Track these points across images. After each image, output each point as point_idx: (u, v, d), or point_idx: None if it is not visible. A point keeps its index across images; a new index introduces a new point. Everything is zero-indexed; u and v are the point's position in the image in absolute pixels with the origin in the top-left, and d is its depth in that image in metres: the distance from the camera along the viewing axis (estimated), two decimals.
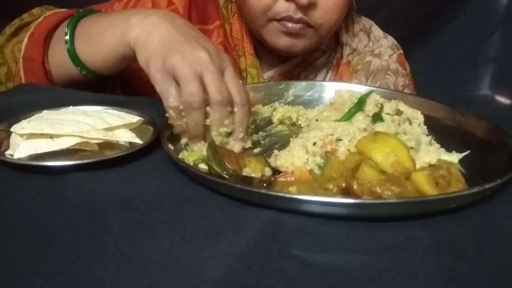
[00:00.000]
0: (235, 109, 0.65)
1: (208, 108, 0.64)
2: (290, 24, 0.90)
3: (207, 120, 0.65)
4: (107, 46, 0.78)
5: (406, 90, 1.09)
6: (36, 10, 0.93)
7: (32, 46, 0.85)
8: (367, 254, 0.47)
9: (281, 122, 0.80)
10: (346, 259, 0.47)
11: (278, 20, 0.91)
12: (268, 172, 0.61)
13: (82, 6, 1.04)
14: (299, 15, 0.89)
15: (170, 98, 0.64)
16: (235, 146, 0.67)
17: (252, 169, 0.61)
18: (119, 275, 0.44)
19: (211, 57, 0.65)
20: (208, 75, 0.64)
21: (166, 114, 0.66)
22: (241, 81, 0.67)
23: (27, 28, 0.89)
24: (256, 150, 0.70)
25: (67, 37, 0.82)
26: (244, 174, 0.60)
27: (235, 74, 0.67)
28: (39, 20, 0.87)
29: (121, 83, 1.00)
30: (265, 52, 1.04)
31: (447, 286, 0.44)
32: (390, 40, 1.14)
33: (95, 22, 0.82)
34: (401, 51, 1.14)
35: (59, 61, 0.85)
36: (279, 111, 0.80)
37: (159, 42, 0.68)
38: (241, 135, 0.67)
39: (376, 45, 1.12)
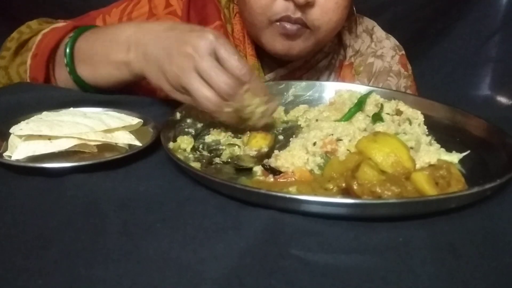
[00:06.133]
0: (245, 88, 0.67)
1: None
2: (288, 25, 0.89)
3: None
4: (109, 73, 0.81)
5: (408, 92, 1.09)
6: (33, 23, 0.92)
7: (35, 67, 0.85)
8: (367, 254, 0.47)
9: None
10: (346, 259, 0.47)
11: (277, 21, 0.90)
12: (264, 149, 0.67)
13: (81, 10, 1.04)
14: (297, 14, 0.88)
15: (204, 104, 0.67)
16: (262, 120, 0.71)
17: (253, 145, 0.66)
18: (119, 275, 0.44)
19: (197, 50, 0.66)
20: (203, 73, 0.66)
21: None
22: (235, 55, 0.67)
23: (27, 46, 0.88)
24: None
25: (67, 61, 0.83)
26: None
27: (226, 49, 0.67)
28: (38, 37, 0.87)
29: None
30: (266, 54, 1.03)
31: (447, 286, 0.44)
32: (392, 41, 1.13)
33: (95, 45, 0.83)
34: (403, 52, 1.13)
35: (65, 82, 0.86)
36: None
37: (153, 65, 0.72)
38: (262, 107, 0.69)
39: (379, 46, 1.11)
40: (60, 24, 0.91)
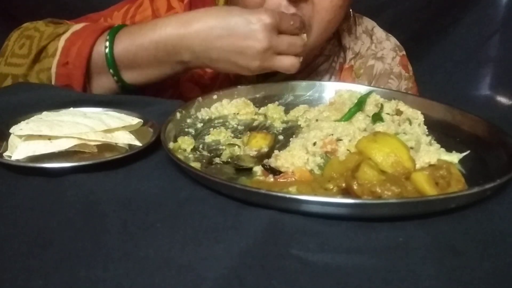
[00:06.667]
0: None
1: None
2: None
3: None
4: (162, 73, 0.86)
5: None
6: (41, 26, 0.90)
7: (68, 76, 0.84)
8: (367, 254, 0.47)
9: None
10: (346, 259, 0.47)
11: None
12: (264, 149, 0.68)
13: (81, 10, 1.04)
14: (291, 10, 0.85)
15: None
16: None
17: (253, 145, 0.67)
18: (119, 275, 0.44)
19: (272, 44, 0.77)
20: (282, 52, 0.80)
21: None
22: (289, 19, 0.80)
23: (46, 52, 0.86)
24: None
25: (113, 71, 0.85)
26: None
27: (284, 21, 0.80)
28: (61, 44, 0.85)
29: None
30: None
31: (447, 286, 0.44)
32: (392, 42, 1.12)
33: (136, 50, 0.84)
34: (404, 52, 1.12)
35: (104, 90, 0.88)
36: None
37: (225, 64, 0.81)
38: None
39: (379, 48, 1.09)
40: (79, 26, 0.88)
